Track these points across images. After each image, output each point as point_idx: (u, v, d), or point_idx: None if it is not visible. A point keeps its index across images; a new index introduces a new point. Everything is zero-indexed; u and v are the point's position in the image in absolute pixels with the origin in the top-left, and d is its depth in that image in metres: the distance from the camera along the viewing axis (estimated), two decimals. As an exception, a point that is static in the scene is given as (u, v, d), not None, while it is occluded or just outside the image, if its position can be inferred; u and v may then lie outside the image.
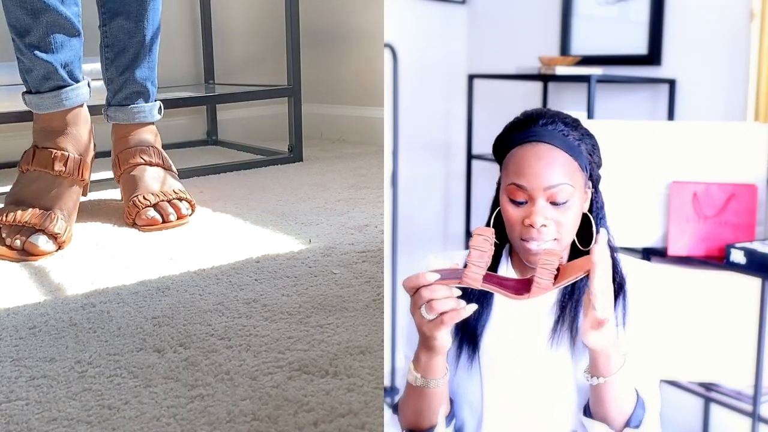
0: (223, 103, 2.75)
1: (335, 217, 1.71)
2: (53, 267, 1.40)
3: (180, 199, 1.70)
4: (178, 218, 1.66)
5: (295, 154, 2.42)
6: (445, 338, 0.70)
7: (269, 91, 2.45)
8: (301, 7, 2.46)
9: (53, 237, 1.48)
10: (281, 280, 1.30)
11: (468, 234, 2.03)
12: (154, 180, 1.73)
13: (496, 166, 0.82)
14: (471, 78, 2.00)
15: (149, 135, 1.82)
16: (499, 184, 0.81)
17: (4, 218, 1.48)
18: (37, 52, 1.55)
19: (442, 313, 0.68)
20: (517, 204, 0.75)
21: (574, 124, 0.78)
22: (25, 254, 1.45)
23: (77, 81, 1.63)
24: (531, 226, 0.74)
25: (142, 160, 1.74)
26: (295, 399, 0.89)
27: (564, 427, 0.79)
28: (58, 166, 1.57)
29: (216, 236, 1.58)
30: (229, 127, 2.91)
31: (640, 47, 1.83)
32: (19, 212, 1.48)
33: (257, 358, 1.00)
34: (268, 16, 2.97)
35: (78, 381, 0.95)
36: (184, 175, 2.04)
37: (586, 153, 0.77)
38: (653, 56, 1.80)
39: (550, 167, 0.74)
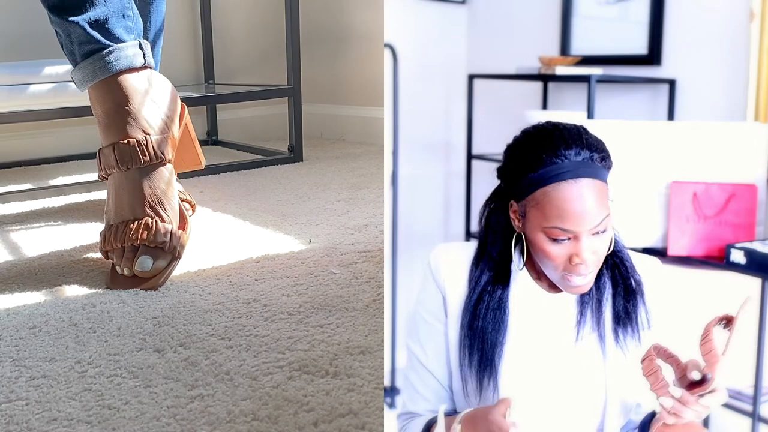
0: (223, 103, 2.76)
1: (335, 217, 1.71)
2: (53, 267, 1.40)
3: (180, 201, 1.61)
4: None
5: (295, 154, 2.42)
6: None
7: (269, 91, 2.45)
8: (301, 7, 2.46)
9: (160, 248, 1.27)
10: (281, 280, 1.30)
11: (468, 234, 2.03)
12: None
13: (496, 166, 0.80)
14: (471, 78, 2.00)
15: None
16: (496, 192, 0.79)
17: (105, 244, 1.28)
18: (61, 16, 1.29)
19: None
20: (559, 241, 0.73)
21: (596, 144, 0.74)
22: (138, 280, 1.25)
23: (119, 41, 1.31)
24: (580, 263, 0.72)
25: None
26: (295, 399, 0.89)
27: (589, 425, 0.79)
28: (122, 158, 1.28)
29: (216, 236, 1.58)
30: (229, 127, 2.91)
31: (640, 47, 1.83)
32: (112, 235, 1.27)
33: (257, 358, 1.00)
34: (268, 17, 2.97)
35: (78, 381, 0.95)
36: (184, 175, 2.04)
37: (607, 169, 0.75)
38: (653, 56, 1.80)
39: (594, 206, 0.71)
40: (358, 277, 1.30)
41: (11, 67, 2.10)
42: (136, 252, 1.27)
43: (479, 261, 0.80)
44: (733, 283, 1.38)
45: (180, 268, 1.37)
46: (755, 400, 1.34)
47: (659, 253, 1.47)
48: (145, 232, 1.26)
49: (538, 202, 0.73)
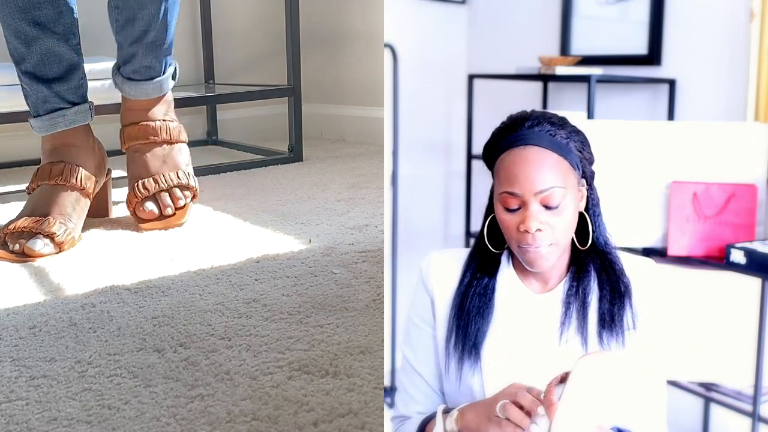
0: (223, 103, 2.75)
1: (335, 217, 1.71)
2: (53, 267, 1.40)
3: (181, 187, 1.69)
4: (176, 210, 1.67)
5: (295, 154, 2.42)
6: None
7: (269, 91, 2.45)
8: (301, 7, 2.46)
9: (51, 239, 1.49)
10: (281, 280, 1.30)
11: (468, 234, 2.03)
12: (157, 160, 1.71)
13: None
14: (471, 78, 2.00)
15: (159, 108, 1.76)
16: (492, 191, 0.80)
17: (5, 228, 1.52)
18: (32, 79, 1.61)
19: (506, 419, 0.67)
20: (511, 211, 0.74)
21: (560, 122, 0.76)
22: (24, 256, 1.47)
23: (76, 104, 1.65)
24: (526, 231, 0.73)
25: (147, 139, 1.72)
26: (295, 399, 0.89)
27: None
28: (54, 174, 1.59)
29: (216, 236, 1.58)
30: (229, 127, 2.91)
31: (640, 47, 1.83)
32: (20, 221, 1.52)
33: (257, 358, 1.00)
34: (268, 17, 2.97)
35: (78, 381, 0.95)
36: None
37: (576, 150, 0.75)
38: (653, 56, 1.80)
39: (540, 171, 0.73)
40: (358, 277, 1.30)
41: (11, 67, 2.10)
42: (22, 236, 1.50)
43: (475, 251, 0.82)
44: (733, 283, 1.38)
45: (180, 268, 1.37)
46: (755, 400, 1.34)
47: (659, 253, 1.47)
48: (36, 224, 1.51)
49: (497, 172, 0.76)
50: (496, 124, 0.79)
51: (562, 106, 2.03)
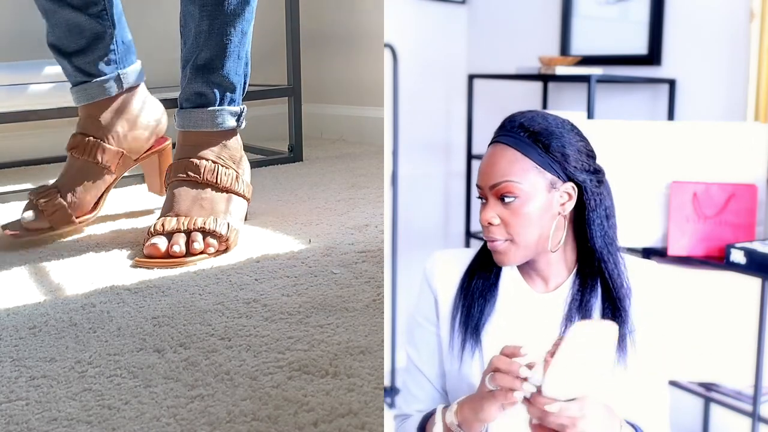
0: (223, 103, 2.75)
1: (335, 217, 1.71)
2: (53, 267, 1.40)
3: (205, 233, 1.42)
4: (187, 253, 1.40)
5: (295, 154, 2.42)
6: (492, 414, 0.69)
7: (269, 91, 2.45)
8: (301, 7, 2.46)
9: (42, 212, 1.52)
10: (281, 280, 1.30)
11: (468, 234, 2.03)
12: (189, 200, 1.48)
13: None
14: (471, 78, 2.00)
15: (212, 148, 1.55)
16: None
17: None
18: (56, 52, 1.58)
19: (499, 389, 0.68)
20: (483, 204, 0.77)
21: (540, 124, 0.76)
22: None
23: (97, 76, 1.58)
24: (484, 224, 0.76)
25: (186, 176, 1.50)
26: (295, 399, 0.89)
27: None
28: (78, 147, 1.57)
29: (216, 236, 1.58)
30: (229, 127, 2.91)
31: (640, 47, 1.83)
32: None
33: (257, 358, 1.00)
34: (268, 17, 2.97)
35: (78, 381, 0.95)
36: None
37: (557, 152, 0.75)
38: (653, 56, 1.80)
39: (496, 165, 0.76)
40: (358, 277, 1.30)
41: (11, 67, 2.10)
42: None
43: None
44: (733, 283, 1.38)
45: (180, 269, 1.37)
46: (755, 400, 1.34)
47: (659, 253, 1.47)
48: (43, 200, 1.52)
49: None
50: (496, 124, 0.80)
51: (562, 106, 2.03)
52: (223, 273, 1.34)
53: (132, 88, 1.65)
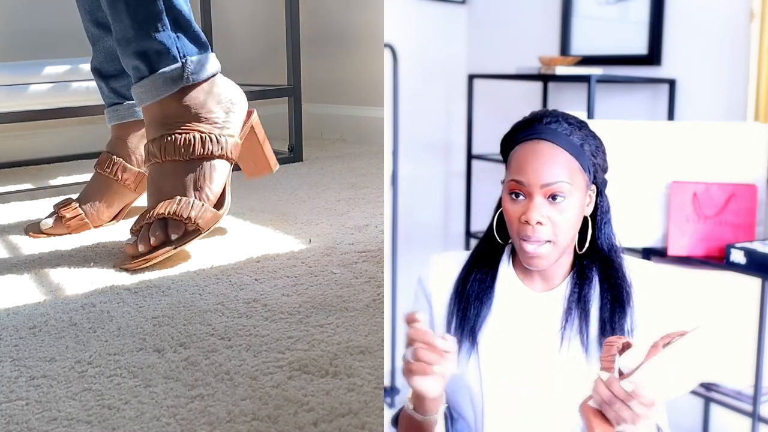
0: (223, 103, 2.75)
1: (335, 217, 1.71)
2: (53, 267, 1.40)
3: (170, 218, 1.37)
4: (147, 251, 1.35)
5: (295, 154, 2.42)
6: (426, 389, 0.67)
7: (269, 91, 2.45)
8: (301, 7, 2.46)
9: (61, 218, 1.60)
10: (281, 280, 1.30)
11: (468, 234, 2.03)
12: (155, 189, 1.43)
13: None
14: (471, 78, 2.00)
15: (168, 115, 1.43)
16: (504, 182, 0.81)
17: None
18: (96, 75, 1.71)
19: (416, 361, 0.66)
20: (516, 200, 0.76)
21: (578, 124, 0.78)
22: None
23: (131, 99, 1.67)
24: (527, 222, 0.74)
25: (150, 161, 1.45)
26: (295, 399, 0.89)
27: (571, 425, 0.79)
28: (102, 164, 1.67)
29: (216, 236, 1.58)
30: (229, 127, 2.91)
31: (640, 47, 1.83)
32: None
33: (257, 358, 1.00)
34: (268, 17, 2.97)
35: (78, 381, 0.95)
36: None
37: (590, 154, 0.77)
38: (653, 56, 1.80)
39: (549, 164, 0.75)
40: (358, 277, 1.30)
41: (11, 67, 2.10)
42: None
43: (480, 244, 0.83)
44: (733, 283, 1.38)
45: (180, 268, 1.37)
46: (755, 400, 1.34)
47: (659, 253, 1.47)
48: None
49: (509, 162, 0.78)
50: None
51: (562, 106, 2.03)
52: (223, 273, 1.34)
53: None
